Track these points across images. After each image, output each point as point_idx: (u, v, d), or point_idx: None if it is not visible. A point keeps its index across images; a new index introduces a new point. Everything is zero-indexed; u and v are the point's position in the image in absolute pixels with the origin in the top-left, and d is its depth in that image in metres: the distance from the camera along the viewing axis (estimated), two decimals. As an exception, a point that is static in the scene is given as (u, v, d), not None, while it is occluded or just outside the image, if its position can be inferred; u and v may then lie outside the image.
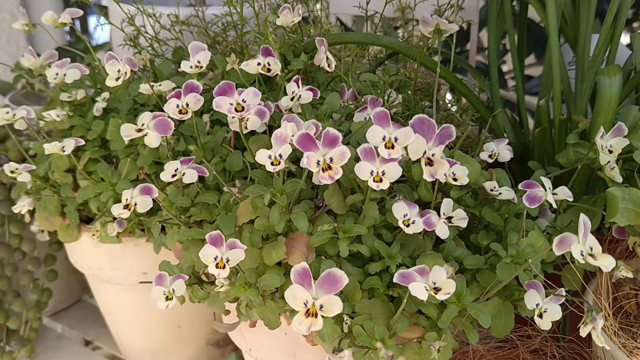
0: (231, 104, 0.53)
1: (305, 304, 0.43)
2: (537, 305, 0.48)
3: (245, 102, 0.53)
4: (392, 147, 0.47)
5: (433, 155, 0.48)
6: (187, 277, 0.54)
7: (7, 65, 0.92)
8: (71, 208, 0.70)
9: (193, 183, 0.60)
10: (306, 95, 0.59)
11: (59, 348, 0.91)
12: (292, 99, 0.59)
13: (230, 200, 0.58)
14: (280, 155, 0.49)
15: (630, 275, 0.53)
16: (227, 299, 0.53)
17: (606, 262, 0.43)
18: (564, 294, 0.49)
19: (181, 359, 0.84)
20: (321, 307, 0.43)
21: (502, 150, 0.60)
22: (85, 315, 0.96)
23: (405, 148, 0.48)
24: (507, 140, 0.61)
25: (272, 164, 0.49)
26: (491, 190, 0.55)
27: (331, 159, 0.46)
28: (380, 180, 0.47)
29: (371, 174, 0.47)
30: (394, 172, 0.47)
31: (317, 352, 0.55)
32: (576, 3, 0.71)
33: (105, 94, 0.72)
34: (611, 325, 0.54)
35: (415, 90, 0.76)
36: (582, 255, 0.43)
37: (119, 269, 0.74)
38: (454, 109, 0.77)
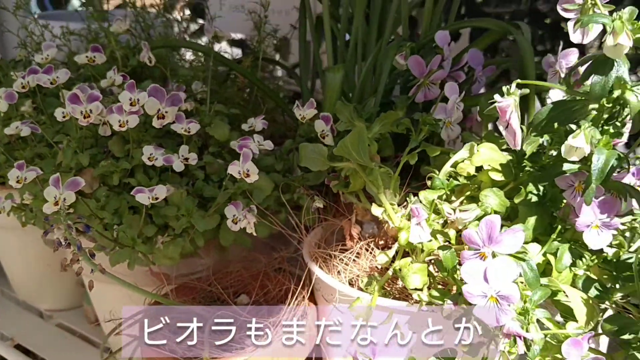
0: (48, 79, 0.77)
1: (55, 198, 0.66)
2: (234, 215, 0.70)
3: (58, 78, 0.77)
4: (135, 105, 0.70)
5: (166, 112, 0.71)
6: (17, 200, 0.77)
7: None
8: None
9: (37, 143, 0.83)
10: (118, 79, 0.83)
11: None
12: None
13: (58, 150, 0.81)
14: (72, 110, 0.73)
15: (321, 205, 0.75)
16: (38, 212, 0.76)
17: (252, 178, 0.65)
18: (255, 209, 0.71)
19: (58, 297, 1.06)
20: (64, 199, 0.65)
21: (257, 123, 0.83)
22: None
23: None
24: (262, 116, 0.83)
25: (63, 116, 0.73)
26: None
27: (90, 110, 0.70)
28: (124, 126, 0.70)
29: (119, 122, 0.70)
30: (134, 121, 0.70)
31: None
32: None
33: None
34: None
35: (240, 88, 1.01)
36: (240, 174, 0.66)
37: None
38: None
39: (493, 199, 0.65)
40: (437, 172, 0.71)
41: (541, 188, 0.65)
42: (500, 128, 0.53)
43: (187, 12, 1.19)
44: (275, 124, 0.99)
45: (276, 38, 1.08)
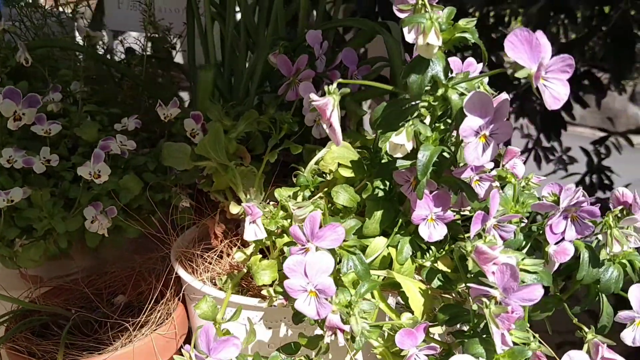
0: None
1: None
2: (92, 216, 0.70)
3: None
4: (-10, 107, 0.69)
5: (23, 114, 0.71)
6: None
7: None
8: None
9: None
10: (-11, 80, 0.82)
11: None
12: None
13: None
14: None
15: (187, 204, 0.75)
16: None
17: (103, 179, 0.65)
18: (115, 210, 0.71)
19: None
20: None
21: (130, 123, 0.82)
22: None
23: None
24: (136, 116, 0.83)
25: None
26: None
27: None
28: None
29: (-27, 124, 0.69)
30: (-11, 123, 0.69)
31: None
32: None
33: None
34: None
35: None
36: (90, 175, 0.66)
37: None
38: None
39: (343, 195, 0.66)
40: (304, 169, 0.73)
41: (388, 183, 0.66)
42: (324, 126, 0.55)
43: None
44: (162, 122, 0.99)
45: (169, 35, 1.08)
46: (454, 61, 0.68)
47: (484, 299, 0.52)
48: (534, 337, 0.60)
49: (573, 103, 2.37)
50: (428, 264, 0.65)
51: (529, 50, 0.50)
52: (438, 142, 0.58)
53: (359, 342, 0.54)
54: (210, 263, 0.72)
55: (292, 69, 0.79)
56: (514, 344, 0.54)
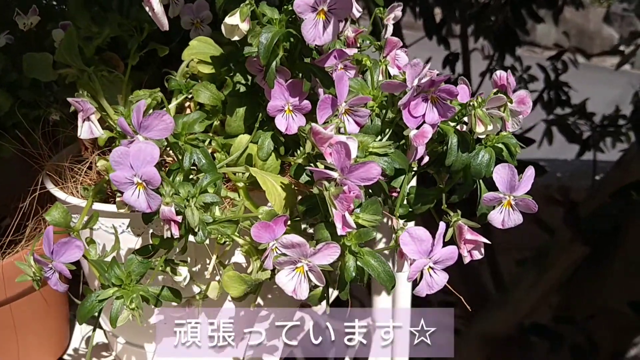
0: None
1: None
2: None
3: None
4: None
5: None
6: None
7: None
8: None
9: None
10: None
11: None
12: None
13: None
14: None
15: (57, 117, 0.72)
16: None
17: None
18: None
19: None
20: None
21: (1, 39, 0.78)
22: None
23: None
24: (7, 32, 0.79)
25: None
26: None
27: None
28: None
29: None
30: None
31: None
32: None
33: None
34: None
35: None
36: None
37: None
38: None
39: (204, 93, 0.63)
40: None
41: (250, 78, 0.63)
42: (150, 14, 0.51)
43: None
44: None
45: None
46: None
47: (325, 182, 0.50)
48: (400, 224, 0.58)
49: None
50: (300, 160, 0.63)
51: None
52: (285, 25, 0.55)
53: (200, 236, 0.52)
54: (80, 174, 0.69)
55: (160, -32, 0.74)
56: (361, 226, 0.52)
